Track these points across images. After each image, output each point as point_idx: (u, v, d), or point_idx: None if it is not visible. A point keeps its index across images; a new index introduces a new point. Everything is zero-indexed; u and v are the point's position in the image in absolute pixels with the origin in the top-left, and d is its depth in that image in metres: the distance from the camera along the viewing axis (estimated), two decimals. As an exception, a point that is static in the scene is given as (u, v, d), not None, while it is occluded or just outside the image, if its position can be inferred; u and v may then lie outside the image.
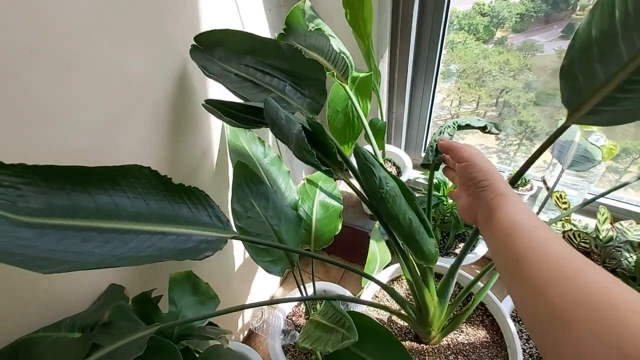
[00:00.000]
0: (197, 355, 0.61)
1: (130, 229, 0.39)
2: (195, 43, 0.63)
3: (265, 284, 1.21)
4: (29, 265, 0.32)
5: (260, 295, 1.21)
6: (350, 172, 0.56)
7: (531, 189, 1.14)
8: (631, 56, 0.37)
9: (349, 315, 0.56)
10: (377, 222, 1.01)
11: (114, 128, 0.56)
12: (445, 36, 1.01)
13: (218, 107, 0.50)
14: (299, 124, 0.44)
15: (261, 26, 0.85)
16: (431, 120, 1.22)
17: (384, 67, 1.00)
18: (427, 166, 0.54)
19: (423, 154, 1.30)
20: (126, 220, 0.40)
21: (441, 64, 1.08)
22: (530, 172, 1.18)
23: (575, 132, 0.86)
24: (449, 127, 0.53)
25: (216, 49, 0.63)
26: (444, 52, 1.05)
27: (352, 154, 0.48)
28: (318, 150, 0.49)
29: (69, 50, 0.47)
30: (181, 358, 0.48)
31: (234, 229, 0.46)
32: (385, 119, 1.09)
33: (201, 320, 0.59)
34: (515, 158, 1.36)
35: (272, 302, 0.51)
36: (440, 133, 0.53)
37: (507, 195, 0.40)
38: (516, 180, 0.53)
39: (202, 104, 0.52)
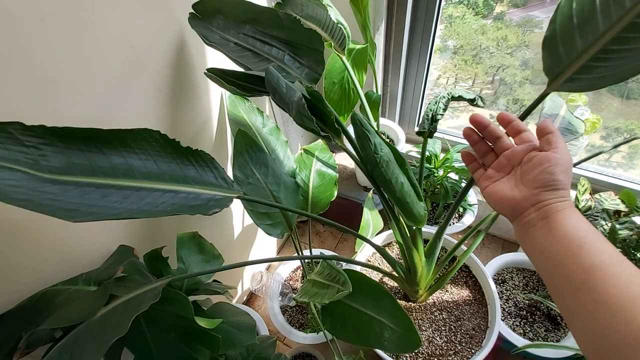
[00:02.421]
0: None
1: (144, 187, 0.43)
2: (193, 11, 0.64)
3: (263, 251, 1.27)
4: (59, 214, 0.35)
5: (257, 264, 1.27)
6: (346, 140, 0.59)
7: (518, 162, 1.19)
8: (607, 27, 0.40)
9: (343, 271, 0.61)
10: (370, 192, 1.06)
11: (118, 95, 0.58)
12: (442, 9, 1.01)
13: (220, 76, 0.52)
14: (299, 92, 0.47)
15: (259, -5, 0.85)
16: (425, 94, 1.24)
17: (379, 40, 1.01)
18: (422, 134, 0.58)
19: (417, 128, 1.34)
20: (140, 179, 0.43)
21: (438, 40, 1.08)
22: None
23: (561, 106, 0.89)
24: (444, 97, 0.57)
25: (214, 17, 0.64)
26: (441, 27, 1.05)
27: (350, 122, 0.51)
28: (316, 117, 0.52)
29: (74, 18, 0.48)
30: (191, 306, 0.53)
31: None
32: (380, 92, 1.11)
33: (207, 277, 0.63)
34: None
35: (274, 259, 0.56)
36: (435, 103, 0.57)
37: (572, 205, 0.37)
38: None
39: (205, 73, 0.54)
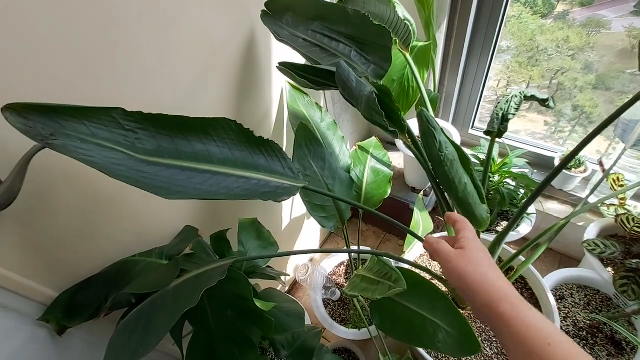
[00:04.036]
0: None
1: (222, 172, 0.46)
2: (265, 9, 0.67)
3: (307, 243, 1.30)
4: (154, 191, 0.39)
5: (301, 256, 1.30)
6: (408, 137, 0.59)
7: (585, 171, 1.10)
8: None
9: (397, 269, 0.60)
10: (421, 193, 1.04)
11: (196, 85, 0.63)
12: (508, 7, 0.96)
13: (292, 70, 0.54)
14: (369, 86, 0.48)
15: (322, -7, 0.86)
16: (483, 96, 1.19)
17: (440, 38, 0.99)
18: (491, 134, 0.56)
19: (471, 130, 1.29)
20: (217, 164, 0.47)
21: (496, 39, 1.03)
22: (584, 154, 1.13)
23: (644, 112, 0.81)
24: (516, 96, 0.54)
25: (285, 14, 0.66)
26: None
27: (416, 118, 0.51)
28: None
29: (166, 13, 0.53)
30: (251, 287, 0.56)
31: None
32: (436, 91, 1.08)
33: (263, 262, 0.66)
34: (565, 146, 1.29)
35: (331, 251, 0.57)
36: (506, 102, 0.54)
37: (500, 306, 0.34)
38: (571, 158, 0.53)
39: (277, 67, 0.56)
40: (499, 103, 0.56)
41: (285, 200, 0.47)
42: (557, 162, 1.12)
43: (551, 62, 1.15)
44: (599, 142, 1.24)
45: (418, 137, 0.57)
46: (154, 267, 0.59)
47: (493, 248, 0.68)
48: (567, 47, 1.09)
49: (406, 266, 0.81)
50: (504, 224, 1.10)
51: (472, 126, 1.28)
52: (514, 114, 0.54)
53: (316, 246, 1.39)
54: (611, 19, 1.00)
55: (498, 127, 0.54)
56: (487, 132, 0.56)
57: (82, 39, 0.46)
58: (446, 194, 0.58)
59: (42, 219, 0.50)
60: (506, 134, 1.26)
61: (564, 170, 1.10)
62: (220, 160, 0.47)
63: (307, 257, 1.36)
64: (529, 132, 1.33)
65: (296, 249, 1.22)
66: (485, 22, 0.99)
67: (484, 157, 1.06)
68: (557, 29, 1.09)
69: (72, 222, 0.53)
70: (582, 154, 1.12)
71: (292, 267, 1.26)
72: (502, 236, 0.64)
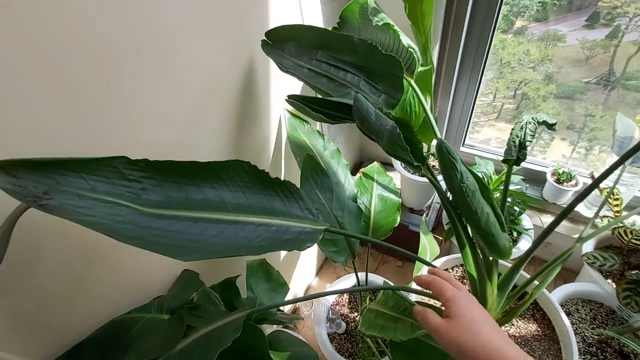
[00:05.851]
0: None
1: (238, 221, 0.42)
2: (265, 39, 0.64)
3: (303, 274, 1.25)
4: (169, 252, 0.34)
5: (299, 284, 1.24)
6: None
7: (576, 184, 1.13)
8: None
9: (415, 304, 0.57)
10: (424, 216, 1.02)
11: (194, 121, 0.58)
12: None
13: (303, 103, 0.51)
14: (391, 120, 0.46)
15: (317, 19, 0.85)
16: (473, 114, 1.21)
17: (433, 61, 1.00)
18: (508, 162, 0.55)
19: (462, 148, 1.30)
20: (232, 212, 0.42)
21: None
22: (574, 168, 1.17)
23: (634, 128, 0.84)
24: (529, 122, 0.54)
25: (286, 44, 0.64)
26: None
27: (435, 149, 0.49)
28: (402, 146, 0.50)
29: (163, 50, 0.49)
30: (266, 339, 0.51)
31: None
32: (436, 113, 1.09)
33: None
34: (532, 152, 1.33)
35: (338, 292, 0.53)
36: (521, 129, 0.54)
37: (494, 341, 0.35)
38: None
39: (286, 99, 0.53)
40: (513, 130, 0.55)
41: (309, 247, 0.43)
42: (548, 177, 1.15)
43: (514, 74, 1.22)
44: (563, 147, 1.30)
45: (432, 166, 0.55)
46: (154, 324, 0.53)
47: (510, 275, 0.66)
48: (527, 60, 1.16)
49: (413, 297, 0.78)
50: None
51: (463, 144, 1.30)
52: (530, 141, 0.53)
53: (313, 272, 1.34)
54: (566, 32, 1.07)
55: (517, 154, 0.54)
56: (504, 161, 0.55)
57: (77, 83, 0.41)
58: (468, 225, 0.56)
59: (27, 283, 0.43)
60: (486, 147, 1.29)
61: (556, 184, 1.13)
62: (234, 207, 0.43)
63: (302, 287, 1.31)
64: (499, 140, 1.36)
65: (295, 276, 1.16)
66: (474, 44, 1.01)
67: (481, 175, 1.06)
68: (517, 43, 1.15)
69: (59, 283, 0.47)
70: (572, 168, 1.15)
71: (290, 297, 1.21)
72: (520, 264, 0.63)
